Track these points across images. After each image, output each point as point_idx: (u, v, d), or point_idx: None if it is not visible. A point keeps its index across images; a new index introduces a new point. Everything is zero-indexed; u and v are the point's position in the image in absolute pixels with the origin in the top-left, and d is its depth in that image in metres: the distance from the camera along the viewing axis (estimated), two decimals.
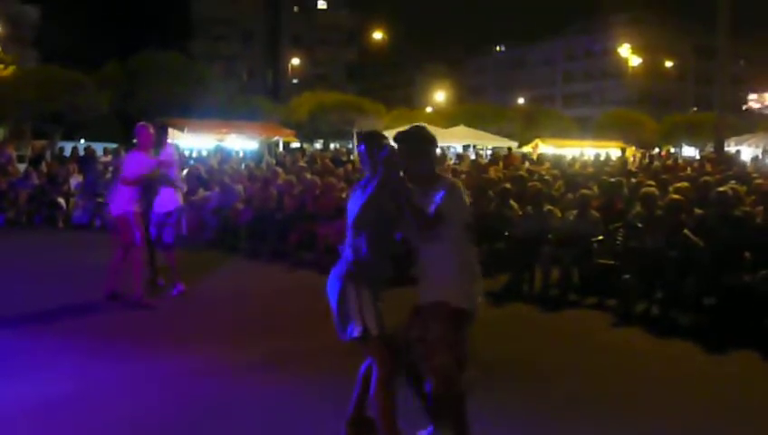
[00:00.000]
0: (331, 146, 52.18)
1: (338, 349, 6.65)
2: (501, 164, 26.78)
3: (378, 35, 79.20)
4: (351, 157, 32.50)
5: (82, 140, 40.09)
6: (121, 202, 10.58)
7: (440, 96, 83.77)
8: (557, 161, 28.87)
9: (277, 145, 42.40)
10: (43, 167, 22.89)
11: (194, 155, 33.12)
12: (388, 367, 5.31)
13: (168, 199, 11.31)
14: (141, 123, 11.01)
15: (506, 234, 12.83)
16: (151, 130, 10.84)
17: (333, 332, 6.06)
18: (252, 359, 8.08)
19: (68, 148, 29.36)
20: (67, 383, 7.11)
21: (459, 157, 35.76)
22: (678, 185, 13.37)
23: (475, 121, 47.86)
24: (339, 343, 5.97)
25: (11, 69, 43.85)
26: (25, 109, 41.19)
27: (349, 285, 5.48)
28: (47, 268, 13.30)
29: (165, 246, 11.41)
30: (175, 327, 9.58)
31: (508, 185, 14.76)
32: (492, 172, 20.47)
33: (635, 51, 79.15)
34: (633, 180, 16.60)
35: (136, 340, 8.81)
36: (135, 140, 10.88)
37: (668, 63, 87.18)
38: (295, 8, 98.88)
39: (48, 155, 28.68)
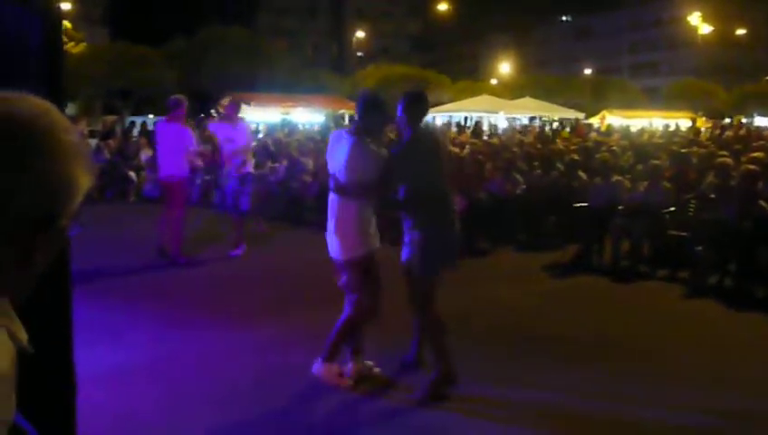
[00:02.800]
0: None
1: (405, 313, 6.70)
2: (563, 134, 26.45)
3: (442, 6, 78.66)
4: None
5: (151, 115, 40.63)
6: (168, 167, 11.53)
7: (505, 67, 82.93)
8: (625, 132, 28.49)
9: (343, 118, 42.46)
10: (114, 142, 23.25)
11: (260, 128, 33.37)
12: None
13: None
14: (176, 96, 11.98)
15: (575, 205, 12.71)
16: (185, 103, 11.79)
17: (403, 298, 6.16)
18: (320, 329, 8.08)
19: (138, 122, 29.82)
20: (142, 351, 7.27)
21: (525, 128, 35.46)
22: (753, 155, 13.07)
23: (541, 93, 47.41)
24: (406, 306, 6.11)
25: (81, 46, 44.61)
26: (96, 85, 41.89)
27: None
28: (119, 240, 13.54)
29: (239, 213, 12.14)
30: (245, 297, 9.68)
31: (576, 156, 14.60)
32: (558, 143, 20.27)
33: (705, 19, 77.29)
34: (698, 150, 16.29)
35: (208, 310, 8.93)
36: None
37: (740, 31, 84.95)
38: None
39: (118, 130, 29.13)
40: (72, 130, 1.32)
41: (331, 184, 6.31)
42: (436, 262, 6.42)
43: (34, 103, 1.29)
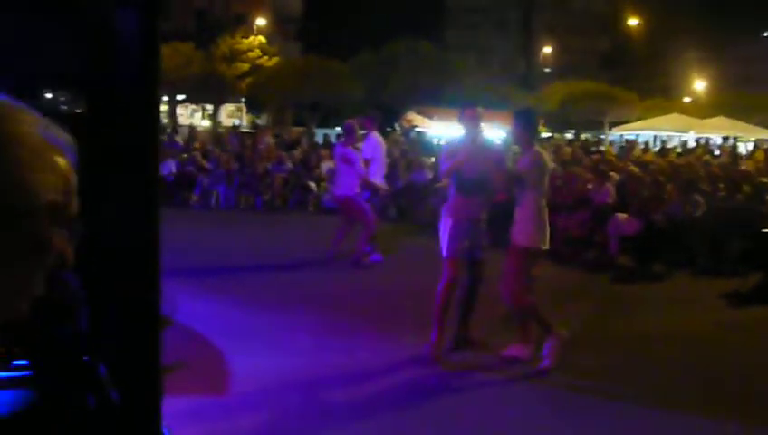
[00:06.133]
0: (582, 136, 51.17)
1: (584, 338, 6.46)
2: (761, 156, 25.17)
3: (634, 22, 76.78)
4: (601, 147, 31.74)
5: (337, 127, 41.51)
6: (347, 186, 12.37)
7: (699, 85, 79.90)
8: None
9: None
10: (299, 152, 23.89)
11: (442, 143, 33.49)
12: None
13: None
14: (350, 122, 13.24)
15: (761, 231, 11.99)
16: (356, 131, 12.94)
17: (573, 322, 5.93)
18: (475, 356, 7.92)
19: (320, 134, 30.56)
20: (298, 360, 7.38)
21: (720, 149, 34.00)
22: None
23: (737, 112, 45.25)
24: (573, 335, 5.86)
25: (274, 60, 46.19)
26: (286, 97, 43.25)
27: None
28: (292, 250, 13.82)
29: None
30: (406, 308, 9.62)
31: (765, 178, 13.84)
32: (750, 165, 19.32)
33: None
34: None
35: (366, 320, 9.03)
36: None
37: None
38: None
39: (304, 141, 29.93)
40: (34, 122, 1.20)
41: None
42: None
43: None
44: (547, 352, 7.25)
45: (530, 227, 7.34)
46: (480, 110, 8.12)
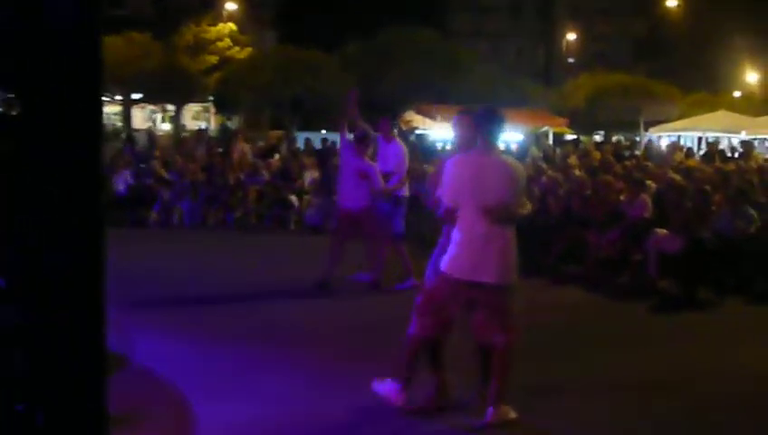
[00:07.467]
0: (613, 138, 51.22)
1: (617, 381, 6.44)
2: None
3: (672, 3, 77.00)
4: (636, 151, 31.75)
5: (323, 131, 41.40)
6: (361, 197, 12.39)
7: (752, 77, 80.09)
8: None
9: (546, 136, 42.08)
10: (276, 160, 23.80)
11: (447, 148, 33.48)
12: None
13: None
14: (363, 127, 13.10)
15: None
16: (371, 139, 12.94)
17: (604, 362, 5.88)
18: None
19: (301, 139, 30.47)
20: (273, 408, 7.38)
21: None
22: None
23: None
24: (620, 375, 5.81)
25: (247, 51, 46.12)
26: (262, 94, 43.11)
27: None
28: (270, 276, 13.79)
29: (394, 237, 13.03)
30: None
31: None
32: None
33: None
34: None
35: (359, 359, 8.93)
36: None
37: None
38: None
39: (284, 148, 29.76)
40: None
41: None
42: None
43: None
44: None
45: (452, 248, 7.16)
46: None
